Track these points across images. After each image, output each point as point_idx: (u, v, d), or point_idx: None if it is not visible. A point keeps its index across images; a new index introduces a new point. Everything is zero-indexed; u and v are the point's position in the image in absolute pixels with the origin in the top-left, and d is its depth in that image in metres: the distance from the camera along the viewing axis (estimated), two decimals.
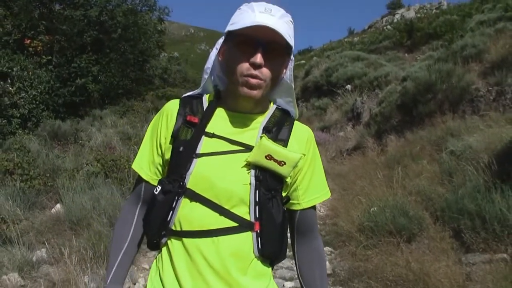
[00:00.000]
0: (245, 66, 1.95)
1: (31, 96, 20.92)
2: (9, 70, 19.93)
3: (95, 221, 7.85)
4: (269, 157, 1.96)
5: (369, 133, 14.59)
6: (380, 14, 75.41)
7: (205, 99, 2.19)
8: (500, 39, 13.01)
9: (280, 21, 1.96)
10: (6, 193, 9.09)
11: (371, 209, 7.61)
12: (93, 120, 21.98)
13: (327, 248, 7.90)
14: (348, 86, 20.98)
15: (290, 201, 2.19)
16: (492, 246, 5.94)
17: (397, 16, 62.56)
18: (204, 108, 2.14)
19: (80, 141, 16.42)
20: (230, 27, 2.01)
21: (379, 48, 32.34)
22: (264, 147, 1.97)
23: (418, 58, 23.60)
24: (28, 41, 24.84)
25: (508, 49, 12.00)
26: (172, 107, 2.18)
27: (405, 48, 29.93)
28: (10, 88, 16.06)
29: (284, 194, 2.15)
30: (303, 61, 48.39)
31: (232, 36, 1.99)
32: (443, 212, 7.00)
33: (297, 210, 2.21)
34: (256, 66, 1.94)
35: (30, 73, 21.87)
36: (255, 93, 1.99)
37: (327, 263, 7.20)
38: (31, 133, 18.58)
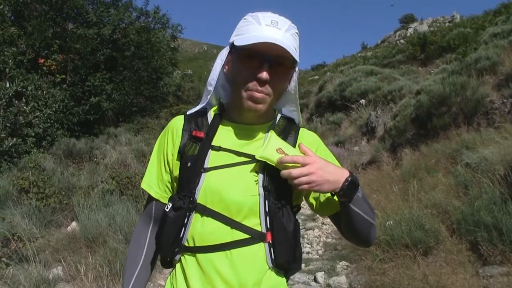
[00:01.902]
0: (250, 81, 1.96)
1: (45, 115, 20.97)
2: (24, 90, 20.01)
3: (111, 238, 7.87)
4: (280, 150, 1.92)
5: (383, 147, 14.52)
6: (393, 28, 75.40)
7: (210, 113, 2.19)
8: None
9: (286, 35, 1.96)
10: (22, 212, 9.13)
11: (387, 223, 7.56)
12: (108, 138, 22.06)
13: (343, 263, 7.88)
14: (362, 101, 20.92)
15: (322, 208, 2.15)
16: (510, 258, 5.89)
17: (410, 30, 62.67)
18: (209, 122, 2.14)
19: (95, 159, 16.48)
20: (236, 39, 2.01)
21: (393, 62, 32.29)
22: (275, 140, 1.96)
23: (432, 71, 23.56)
24: (42, 61, 24.99)
25: None
26: (177, 123, 2.19)
27: (418, 61, 29.86)
28: (25, 108, 16.10)
29: (295, 203, 2.13)
30: (316, 77, 48.49)
31: (237, 49, 1.98)
32: (460, 225, 6.96)
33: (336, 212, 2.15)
34: (262, 82, 1.94)
35: (44, 92, 21.96)
36: (260, 107, 2.01)
37: (344, 277, 7.19)
38: (46, 151, 18.63)
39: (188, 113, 2.21)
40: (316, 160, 1.90)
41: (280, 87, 2.05)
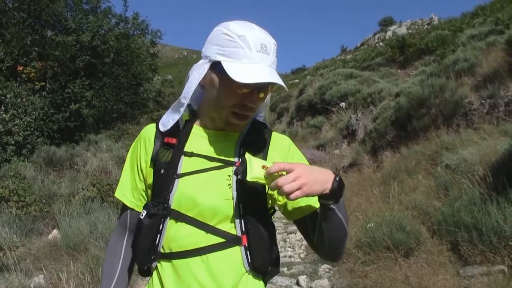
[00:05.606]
0: (237, 104, 1.95)
1: (25, 123, 20.91)
2: (3, 97, 19.93)
3: (92, 246, 7.84)
4: (265, 167, 1.86)
5: (364, 149, 14.54)
6: (372, 31, 75.53)
7: (181, 119, 2.16)
8: (491, 53, 13.06)
9: (274, 59, 1.95)
10: (2, 220, 9.08)
11: (368, 225, 7.59)
12: (88, 145, 21.95)
13: (325, 266, 7.89)
14: (342, 104, 20.99)
15: (293, 209, 2.11)
16: (489, 258, 5.93)
17: (389, 33, 62.87)
18: (181, 128, 2.13)
19: (76, 166, 16.41)
20: (224, 60, 1.92)
21: (372, 65, 32.35)
22: (255, 160, 1.90)
23: (411, 73, 23.67)
24: (21, 68, 24.87)
25: (500, 62, 12.05)
26: (149, 131, 2.19)
27: (397, 64, 29.94)
28: (4, 115, 16.03)
29: (269, 205, 2.12)
30: (296, 80, 48.56)
31: (229, 75, 1.87)
32: (440, 226, 7.00)
33: (305, 216, 2.12)
34: (250, 108, 1.95)
35: (24, 100, 21.87)
36: (243, 125, 2.05)
37: (326, 280, 7.21)
38: (26, 159, 18.55)
39: (160, 122, 2.17)
40: (301, 164, 1.87)
41: (259, 105, 2.06)
